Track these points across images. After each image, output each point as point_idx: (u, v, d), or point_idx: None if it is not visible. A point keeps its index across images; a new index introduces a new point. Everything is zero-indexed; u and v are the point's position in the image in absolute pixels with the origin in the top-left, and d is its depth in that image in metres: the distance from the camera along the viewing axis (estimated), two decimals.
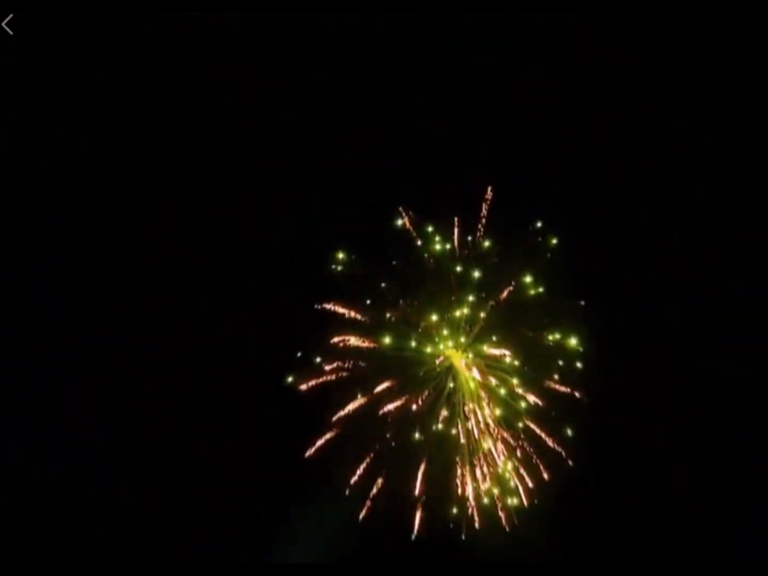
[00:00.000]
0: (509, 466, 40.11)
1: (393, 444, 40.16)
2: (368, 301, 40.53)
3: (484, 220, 40.52)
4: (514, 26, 40.41)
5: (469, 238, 40.82)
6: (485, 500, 40.13)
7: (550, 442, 39.94)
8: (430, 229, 40.80)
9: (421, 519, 39.95)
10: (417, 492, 39.81)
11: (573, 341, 40.00)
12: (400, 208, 40.39)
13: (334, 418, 39.87)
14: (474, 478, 40.33)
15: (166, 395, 40.11)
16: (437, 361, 40.85)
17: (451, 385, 40.91)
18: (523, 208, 40.55)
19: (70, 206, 40.58)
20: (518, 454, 40.21)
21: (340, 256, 40.41)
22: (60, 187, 40.54)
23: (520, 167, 41.19)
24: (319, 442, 39.81)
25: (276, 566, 39.52)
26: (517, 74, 41.13)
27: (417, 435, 40.00)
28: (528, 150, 41.48)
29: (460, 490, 40.16)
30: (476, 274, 40.45)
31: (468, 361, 41.15)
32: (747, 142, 41.09)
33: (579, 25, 40.13)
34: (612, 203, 41.23)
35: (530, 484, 39.91)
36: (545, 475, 39.88)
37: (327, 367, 40.12)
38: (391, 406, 40.03)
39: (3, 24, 36.88)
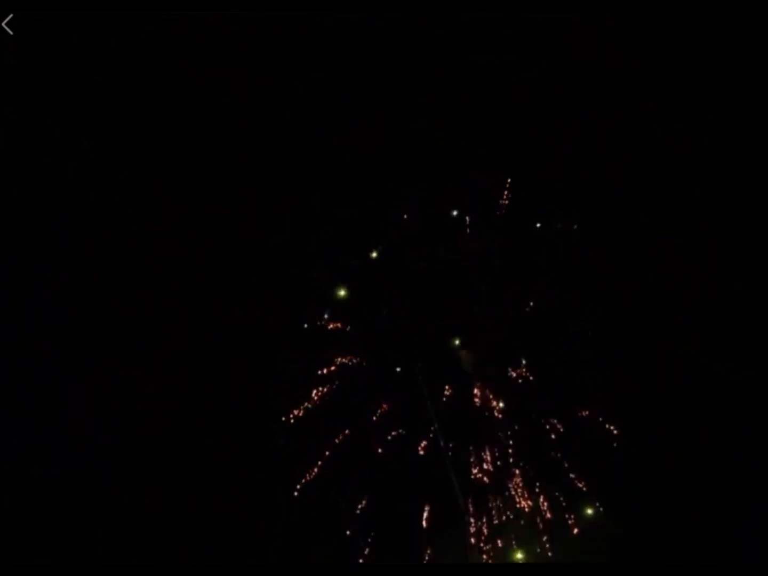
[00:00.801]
0: (527, 504, 36.69)
1: (394, 475, 37.06)
2: (368, 314, 38.27)
3: (493, 221, 39.43)
4: (514, 26, 40.47)
5: (471, 247, 39.25)
6: (499, 543, 36.45)
7: (576, 480, 36.65)
8: (434, 232, 39.56)
9: (428, 561, 36.48)
10: (422, 531, 36.74)
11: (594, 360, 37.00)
12: (404, 216, 39.35)
13: (330, 444, 37.08)
14: (488, 516, 36.97)
15: (156, 397, 40.03)
16: (446, 387, 38.03)
17: (460, 399, 37.91)
18: (528, 210, 39.79)
19: (69, 206, 40.71)
20: (541, 499, 36.85)
21: (339, 263, 38.81)
22: (60, 187, 40.64)
23: (522, 168, 41.12)
24: (311, 475, 36.82)
25: (275, 567, 39.21)
26: (517, 74, 41.15)
27: (421, 463, 37.10)
28: (529, 150, 41.43)
29: (472, 530, 36.86)
30: (486, 282, 38.56)
31: (481, 381, 38.17)
32: (748, 142, 41.01)
33: (579, 25, 40.21)
34: (612, 204, 41.17)
35: (551, 522, 36.47)
36: (570, 520, 36.52)
37: (319, 389, 37.26)
38: (392, 433, 37.26)
39: (3, 24, 36.96)
